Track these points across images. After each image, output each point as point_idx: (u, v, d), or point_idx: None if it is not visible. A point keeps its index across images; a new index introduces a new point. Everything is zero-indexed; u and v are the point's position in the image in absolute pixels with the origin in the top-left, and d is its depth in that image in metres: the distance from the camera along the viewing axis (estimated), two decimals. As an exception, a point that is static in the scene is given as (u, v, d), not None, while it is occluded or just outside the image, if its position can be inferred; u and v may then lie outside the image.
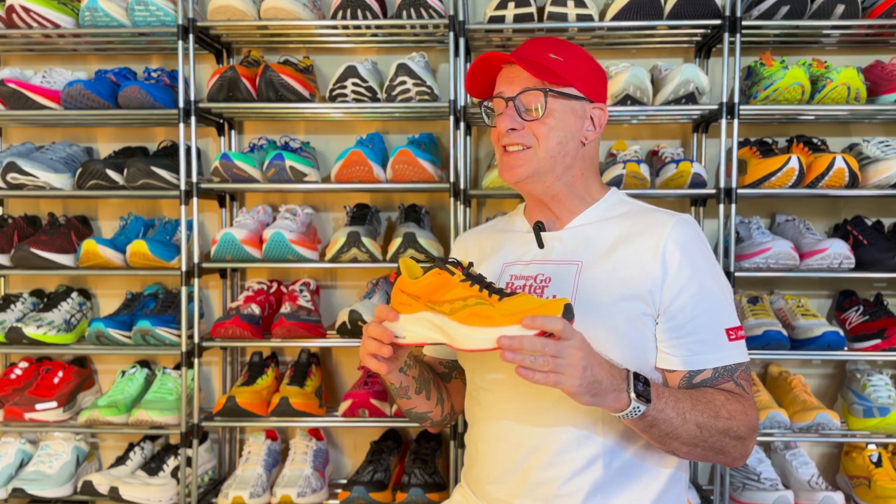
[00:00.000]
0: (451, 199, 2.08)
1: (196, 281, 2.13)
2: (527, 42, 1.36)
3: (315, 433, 2.30)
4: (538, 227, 1.38)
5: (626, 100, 2.03)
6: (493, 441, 1.32)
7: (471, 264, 1.20)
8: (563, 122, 1.32)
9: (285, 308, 2.16)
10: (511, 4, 2.05)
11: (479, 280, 1.16)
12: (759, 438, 2.06)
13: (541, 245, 1.37)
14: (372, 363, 1.22)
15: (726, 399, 1.24)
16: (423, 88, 2.09)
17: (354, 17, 2.09)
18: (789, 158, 1.98)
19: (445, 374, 1.52)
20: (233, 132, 2.40)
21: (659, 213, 1.35)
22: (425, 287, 1.18)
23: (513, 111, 1.31)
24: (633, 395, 1.13)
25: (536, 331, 1.07)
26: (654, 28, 2.08)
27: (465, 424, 1.44)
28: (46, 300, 2.33)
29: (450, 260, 1.20)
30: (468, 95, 2.14)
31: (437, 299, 1.16)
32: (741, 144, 2.12)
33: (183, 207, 2.12)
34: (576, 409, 1.22)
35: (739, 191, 2.03)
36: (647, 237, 1.28)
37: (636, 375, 1.16)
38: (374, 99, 2.13)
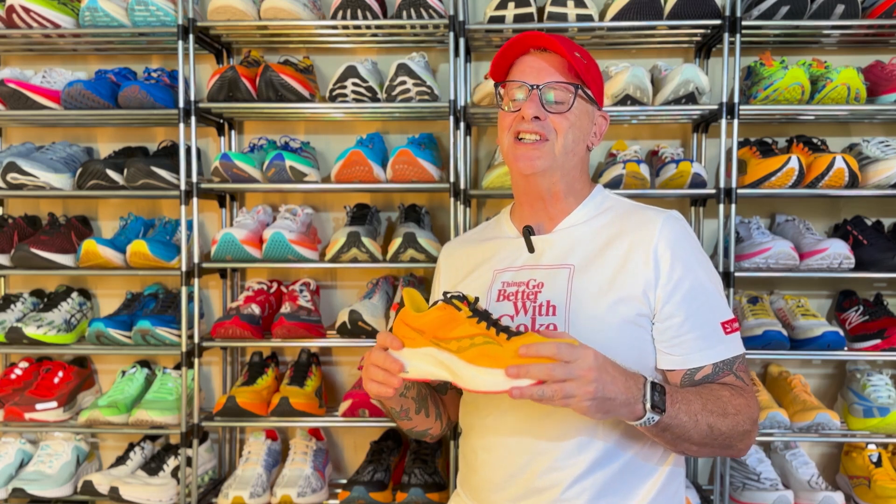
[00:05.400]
0: (451, 199, 2.08)
1: (196, 281, 2.13)
2: (549, 35, 1.32)
3: (315, 433, 2.30)
4: (528, 232, 1.36)
5: (626, 100, 2.03)
6: (494, 448, 1.30)
7: (477, 299, 1.17)
8: (580, 121, 1.33)
9: (285, 308, 2.16)
10: (511, 4, 2.05)
11: (485, 317, 1.14)
12: (759, 438, 2.06)
13: (531, 249, 1.35)
14: (373, 388, 1.21)
15: (731, 394, 1.24)
16: (423, 88, 2.09)
17: (354, 17, 2.09)
18: (789, 158, 1.98)
19: (441, 387, 1.50)
20: (233, 132, 2.40)
21: (646, 211, 1.34)
22: (431, 322, 1.15)
23: (537, 99, 1.30)
24: (648, 406, 1.13)
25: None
26: (653, 28, 2.08)
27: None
28: (46, 300, 2.33)
29: (456, 294, 1.16)
30: (469, 95, 2.14)
31: (444, 336, 1.13)
32: (741, 144, 2.11)
33: (183, 207, 2.12)
34: (577, 416, 1.22)
35: (739, 191, 2.03)
36: (637, 238, 1.28)
37: (653, 385, 1.15)
38: (374, 99, 2.13)
